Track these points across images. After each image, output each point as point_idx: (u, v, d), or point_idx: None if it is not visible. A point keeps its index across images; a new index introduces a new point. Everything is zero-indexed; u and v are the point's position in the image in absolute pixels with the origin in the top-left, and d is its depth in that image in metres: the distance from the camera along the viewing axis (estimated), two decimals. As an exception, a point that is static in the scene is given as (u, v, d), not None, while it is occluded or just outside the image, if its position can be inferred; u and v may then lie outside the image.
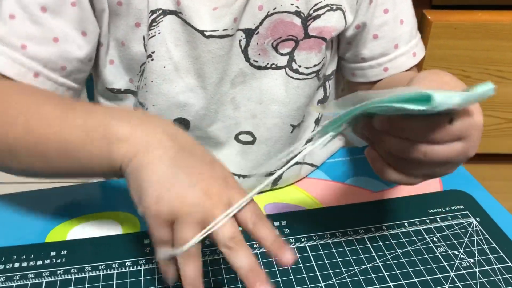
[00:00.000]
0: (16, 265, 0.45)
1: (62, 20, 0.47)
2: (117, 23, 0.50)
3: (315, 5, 0.51)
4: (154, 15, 0.49)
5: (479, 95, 0.34)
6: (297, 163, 0.56)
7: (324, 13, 0.51)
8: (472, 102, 0.35)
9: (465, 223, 0.51)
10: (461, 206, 0.53)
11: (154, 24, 0.49)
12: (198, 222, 0.36)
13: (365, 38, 0.56)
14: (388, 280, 0.44)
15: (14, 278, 0.43)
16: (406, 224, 0.50)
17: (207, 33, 0.49)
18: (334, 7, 0.52)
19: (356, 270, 0.45)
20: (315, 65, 0.53)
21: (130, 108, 0.54)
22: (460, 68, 0.87)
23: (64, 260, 0.45)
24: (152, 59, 0.50)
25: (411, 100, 0.32)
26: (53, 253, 0.46)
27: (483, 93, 0.34)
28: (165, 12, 0.48)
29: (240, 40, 0.51)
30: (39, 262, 0.45)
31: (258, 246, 0.47)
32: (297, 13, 0.50)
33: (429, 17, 0.83)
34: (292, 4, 0.50)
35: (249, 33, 0.50)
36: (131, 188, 0.38)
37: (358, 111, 0.35)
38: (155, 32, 0.49)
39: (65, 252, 0.46)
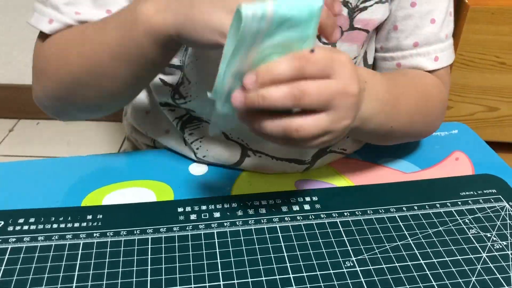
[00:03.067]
0: (55, 226, 0.46)
1: None
2: None
3: None
4: None
5: (300, 4, 0.33)
6: (330, 151, 0.56)
7: (371, 5, 0.50)
8: (296, 14, 0.33)
9: (498, 207, 0.50)
10: (494, 190, 0.52)
11: None
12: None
13: (385, 28, 0.54)
14: (420, 257, 0.44)
15: (53, 238, 0.45)
16: (438, 205, 0.50)
17: None
18: None
19: (388, 246, 0.45)
20: (355, 57, 0.53)
21: None
22: (494, 54, 0.85)
23: (100, 224, 0.47)
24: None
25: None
26: (89, 217, 0.47)
27: (305, 3, 0.33)
28: None
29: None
30: (76, 225, 0.46)
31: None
32: (345, 3, 0.50)
33: (466, 1, 0.82)
34: None
35: None
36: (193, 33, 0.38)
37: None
38: None
39: (100, 216, 0.47)
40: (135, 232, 0.46)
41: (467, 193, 0.52)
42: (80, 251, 0.44)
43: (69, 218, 0.47)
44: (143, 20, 0.40)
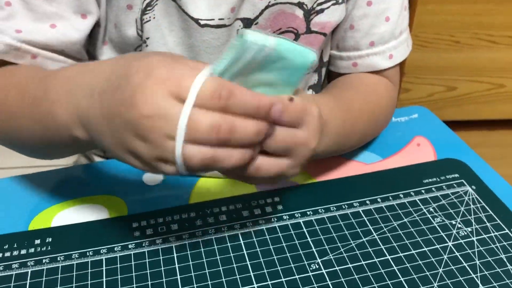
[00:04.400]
0: (-1, 255, 0.43)
1: (58, 5, 0.45)
2: (111, 3, 0.47)
3: None
4: None
5: (298, 50, 0.33)
6: None
7: (328, 7, 0.49)
8: (291, 58, 0.33)
9: (461, 192, 0.50)
10: (456, 175, 0.52)
11: (149, 8, 0.46)
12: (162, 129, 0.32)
13: (341, 27, 0.53)
14: (386, 253, 0.43)
15: (-3, 269, 0.42)
16: (401, 195, 0.49)
17: (201, 22, 0.46)
18: (340, 0, 0.49)
19: (353, 244, 0.44)
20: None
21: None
22: (449, 34, 0.85)
23: (49, 248, 0.44)
24: (147, 45, 0.47)
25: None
26: (37, 241, 0.44)
27: (302, 52, 0.33)
28: None
29: (237, 30, 0.48)
30: (23, 251, 0.43)
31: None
32: (300, 5, 0.48)
33: (417, -18, 0.81)
34: None
35: (248, 23, 0.48)
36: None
37: None
38: (150, 17, 0.46)
39: (50, 239, 0.44)
40: (87, 254, 0.43)
41: (430, 180, 0.51)
42: (28, 281, 0.40)
43: (15, 245, 0.44)
44: (64, 129, 0.38)
